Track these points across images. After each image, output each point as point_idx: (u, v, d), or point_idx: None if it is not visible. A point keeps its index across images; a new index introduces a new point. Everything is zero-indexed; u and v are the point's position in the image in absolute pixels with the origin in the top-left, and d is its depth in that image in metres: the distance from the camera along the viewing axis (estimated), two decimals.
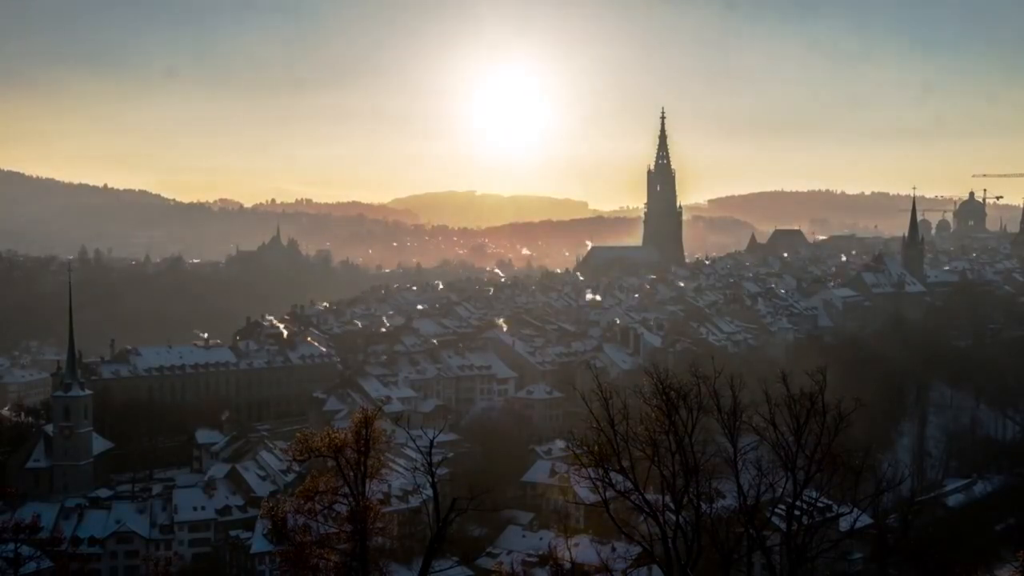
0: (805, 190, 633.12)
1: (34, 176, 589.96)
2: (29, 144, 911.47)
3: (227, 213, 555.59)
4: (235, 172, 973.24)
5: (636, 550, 35.87)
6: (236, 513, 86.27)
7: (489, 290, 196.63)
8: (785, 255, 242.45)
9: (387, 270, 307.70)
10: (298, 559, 26.50)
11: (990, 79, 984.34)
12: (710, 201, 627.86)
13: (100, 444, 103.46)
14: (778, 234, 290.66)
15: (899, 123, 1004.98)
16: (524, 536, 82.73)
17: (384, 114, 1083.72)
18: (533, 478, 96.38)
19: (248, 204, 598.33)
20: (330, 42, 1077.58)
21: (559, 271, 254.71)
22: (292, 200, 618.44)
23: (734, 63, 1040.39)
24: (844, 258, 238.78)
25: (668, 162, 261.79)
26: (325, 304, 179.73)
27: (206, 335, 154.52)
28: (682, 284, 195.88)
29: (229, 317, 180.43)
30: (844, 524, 54.62)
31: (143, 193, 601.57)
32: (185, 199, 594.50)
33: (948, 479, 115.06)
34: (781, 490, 30.63)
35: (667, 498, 28.92)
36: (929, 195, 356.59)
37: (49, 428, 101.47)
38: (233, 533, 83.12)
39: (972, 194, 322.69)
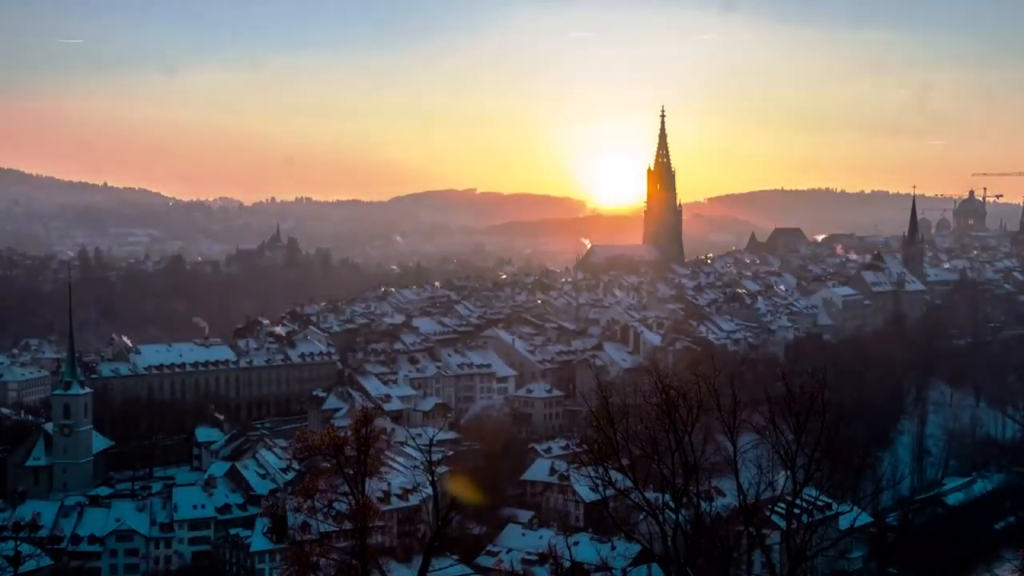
0: (805, 188, 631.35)
1: (34, 175, 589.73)
2: (29, 143, 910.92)
3: (227, 212, 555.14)
4: (235, 171, 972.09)
5: (636, 548, 36.06)
6: (236, 511, 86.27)
7: (489, 288, 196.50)
8: (786, 253, 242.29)
9: (387, 268, 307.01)
10: (298, 557, 26.53)
11: (990, 78, 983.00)
12: (710, 199, 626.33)
13: (100, 442, 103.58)
14: (778, 232, 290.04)
15: (899, 122, 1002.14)
16: (524, 535, 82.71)
17: (383, 113, 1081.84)
18: (533, 476, 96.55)
19: (248, 203, 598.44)
20: (327, 39, 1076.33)
21: (559, 269, 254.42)
22: (292, 199, 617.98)
23: (734, 62, 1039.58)
24: (844, 257, 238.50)
25: (668, 160, 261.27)
26: (324, 302, 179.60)
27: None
28: (682, 283, 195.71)
29: (229, 316, 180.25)
30: (844, 522, 54.80)
31: (143, 192, 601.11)
32: (185, 198, 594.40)
33: (947, 478, 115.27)
34: (781, 488, 30.65)
35: (667, 496, 28.93)
36: (929, 194, 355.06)
37: (49, 426, 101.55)
38: (233, 531, 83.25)
39: (972, 193, 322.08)
